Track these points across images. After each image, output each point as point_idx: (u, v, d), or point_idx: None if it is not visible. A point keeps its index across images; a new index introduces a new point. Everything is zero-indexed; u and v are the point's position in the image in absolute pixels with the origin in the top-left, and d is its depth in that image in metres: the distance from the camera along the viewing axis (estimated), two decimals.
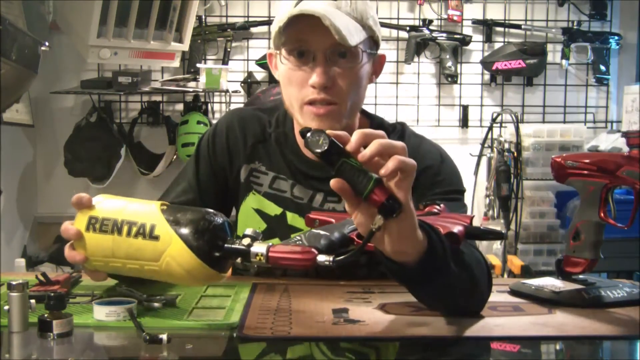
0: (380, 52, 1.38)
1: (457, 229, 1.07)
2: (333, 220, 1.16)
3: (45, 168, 3.59)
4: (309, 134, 0.93)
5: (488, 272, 1.15)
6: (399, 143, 0.93)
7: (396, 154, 0.92)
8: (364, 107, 1.42)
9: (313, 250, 0.99)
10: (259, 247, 1.00)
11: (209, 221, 1.01)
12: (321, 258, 0.98)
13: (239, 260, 1.01)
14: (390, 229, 0.95)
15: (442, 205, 1.20)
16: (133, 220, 1.02)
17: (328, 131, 0.92)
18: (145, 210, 1.04)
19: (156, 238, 1.00)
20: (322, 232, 1.08)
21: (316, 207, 1.39)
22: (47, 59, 2.87)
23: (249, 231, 1.02)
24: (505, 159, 3.31)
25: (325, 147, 0.92)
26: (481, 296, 1.13)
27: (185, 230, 0.99)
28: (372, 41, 1.33)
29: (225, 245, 1.01)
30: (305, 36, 1.26)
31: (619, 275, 3.10)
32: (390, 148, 0.92)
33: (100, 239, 1.04)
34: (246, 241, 1.00)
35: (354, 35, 1.25)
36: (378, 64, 1.38)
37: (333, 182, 0.93)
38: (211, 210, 1.03)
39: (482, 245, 3.27)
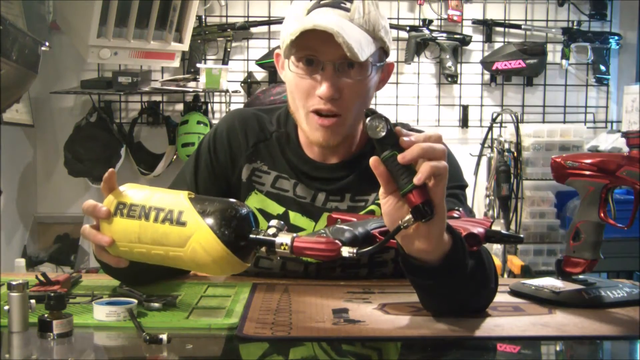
0: (387, 60, 1.37)
1: (477, 230, 1.08)
2: (355, 220, 1.17)
3: (45, 168, 3.59)
4: (369, 118, 0.97)
5: (495, 274, 1.16)
6: (440, 147, 0.97)
7: (436, 158, 0.95)
8: None
9: (337, 241, 1.01)
10: (284, 237, 1.01)
11: (236, 210, 1.03)
12: (345, 250, 1.00)
13: (263, 249, 1.03)
14: (420, 229, 0.99)
15: (461, 210, 1.21)
16: (161, 207, 1.05)
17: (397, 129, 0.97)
18: (173, 198, 1.06)
19: (183, 224, 1.02)
20: (345, 227, 1.10)
21: (318, 206, 1.39)
22: (47, 59, 2.87)
23: (273, 222, 1.04)
24: (505, 159, 3.31)
25: (381, 136, 0.96)
26: (484, 300, 1.14)
27: (212, 218, 1.01)
28: (382, 51, 1.33)
29: (251, 235, 1.02)
30: (315, 46, 1.26)
31: (619, 275, 3.10)
32: (431, 152, 0.95)
33: (127, 223, 1.06)
34: (271, 231, 1.02)
35: (365, 50, 1.24)
36: (386, 72, 1.39)
37: (372, 161, 0.98)
38: (237, 201, 1.06)
39: None
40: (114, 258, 1.11)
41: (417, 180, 0.95)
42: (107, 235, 1.07)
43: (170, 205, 1.04)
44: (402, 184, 0.96)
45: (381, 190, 1.00)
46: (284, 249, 1.01)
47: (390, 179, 0.98)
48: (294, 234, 1.02)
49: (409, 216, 0.97)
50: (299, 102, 1.32)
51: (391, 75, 1.40)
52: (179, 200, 1.05)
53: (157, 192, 1.08)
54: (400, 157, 0.95)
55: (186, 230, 1.02)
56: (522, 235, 1.17)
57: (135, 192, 1.09)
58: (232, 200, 1.06)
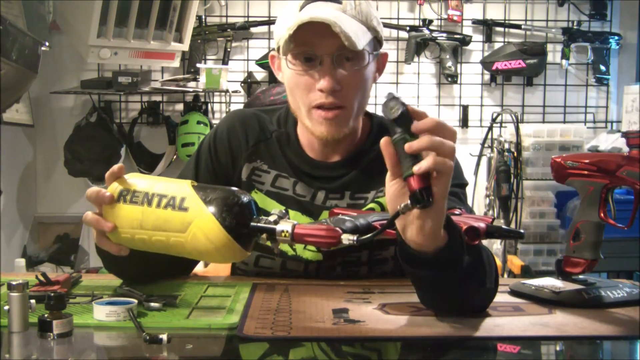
0: (381, 50, 1.39)
1: (479, 224, 1.08)
2: (356, 214, 1.17)
3: (45, 168, 3.59)
4: (388, 98, 0.97)
5: (496, 273, 1.15)
6: (449, 144, 0.97)
7: (443, 154, 0.95)
8: None
9: (338, 229, 1.01)
10: (285, 225, 1.02)
11: (238, 197, 1.04)
12: (345, 237, 1.00)
13: (264, 237, 1.03)
14: (415, 221, 0.99)
15: (462, 209, 1.21)
16: (164, 193, 1.06)
17: (409, 106, 0.97)
18: (176, 185, 1.07)
19: (185, 210, 1.03)
20: (347, 218, 1.11)
21: (318, 204, 1.39)
22: (47, 59, 2.87)
23: (275, 211, 1.05)
24: (505, 159, 3.31)
25: (395, 116, 0.97)
26: (482, 299, 1.14)
27: (214, 204, 1.02)
28: (376, 41, 1.35)
29: (252, 222, 1.03)
30: (312, 40, 1.27)
31: (619, 275, 3.10)
32: (439, 147, 0.95)
33: (130, 209, 1.06)
34: (272, 218, 1.03)
35: (361, 39, 1.26)
36: (381, 62, 1.40)
37: (383, 141, 0.98)
38: (239, 189, 1.07)
39: None
40: (115, 245, 1.11)
41: (417, 169, 0.95)
42: (110, 221, 1.08)
43: (173, 192, 1.05)
44: (405, 167, 0.97)
45: (388, 173, 1.01)
46: (285, 236, 1.01)
47: (398, 162, 0.98)
48: (295, 222, 1.02)
49: (407, 201, 0.97)
50: (300, 99, 1.32)
51: (386, 65, 1.42)
52: (181, 188, 1.06)
53: (161, 180, 1.10)
54: (407, 146, 0.96)
55: (188, 215, 1.03)
56: (522, 231, 1.16)
57: (138, 180, 1.10)
58: (234, 188, 1.07)
